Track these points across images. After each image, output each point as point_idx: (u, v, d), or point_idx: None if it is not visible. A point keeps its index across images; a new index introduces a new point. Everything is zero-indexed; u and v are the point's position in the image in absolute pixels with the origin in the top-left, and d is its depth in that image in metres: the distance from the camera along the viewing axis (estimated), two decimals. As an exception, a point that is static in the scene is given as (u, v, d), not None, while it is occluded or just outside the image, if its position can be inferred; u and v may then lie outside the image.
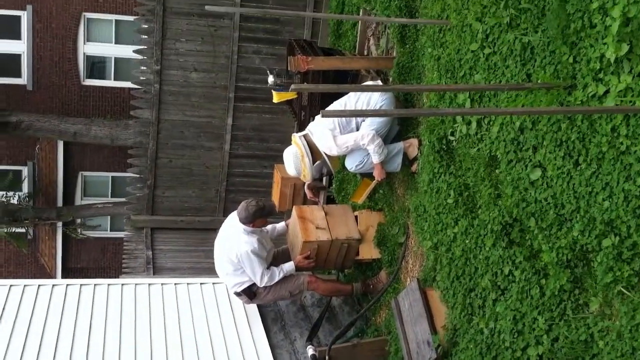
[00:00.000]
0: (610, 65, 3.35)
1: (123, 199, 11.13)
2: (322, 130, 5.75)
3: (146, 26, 8.99)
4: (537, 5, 3.98)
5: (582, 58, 3.58)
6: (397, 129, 5.90)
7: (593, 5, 3.43)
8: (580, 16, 3.56)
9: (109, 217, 14.55)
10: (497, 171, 4.45)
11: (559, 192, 3.79)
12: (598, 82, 3.46)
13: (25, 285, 6.53)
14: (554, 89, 3.75)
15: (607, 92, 3.40)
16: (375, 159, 5.63)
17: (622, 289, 3.38)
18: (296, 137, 5.97)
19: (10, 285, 6.51)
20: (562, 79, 3.73)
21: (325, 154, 5.87)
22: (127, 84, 11.88)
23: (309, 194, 6.90)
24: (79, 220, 13.80)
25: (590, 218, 3.55)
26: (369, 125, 5.58)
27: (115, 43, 13.50)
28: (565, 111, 3.60)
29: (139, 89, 9.28)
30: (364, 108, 5.63)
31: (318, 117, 5.83)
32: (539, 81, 3.90)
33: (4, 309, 6.13)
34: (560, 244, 3.77)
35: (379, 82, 5.93)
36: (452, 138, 5.00)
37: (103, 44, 13.59)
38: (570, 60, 3.66)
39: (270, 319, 6.45)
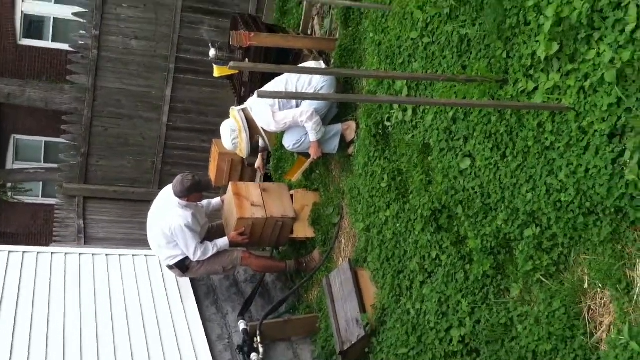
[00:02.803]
0: (540, 62, 3.48)
1: (56, 165, 10.87)
2: (262, 106, 5.74)
3: (87, -12, 8.74)
4: (476, -1, 4.07)
5: (515, 54, 3.69)
6: (336, 111, 5.94)
7: (529, 3, 3.53)
8: (516, 13, 3.66)
9: (41, 183, 14.17)
10: (429, 158, 4.56)
11: (486, 182, 3.93)
12: (528, 79, 3.58)
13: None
14: (487, 82, 3.87)
15: (536, 88, 3.53)
16: (312, 136, 5.67)
17: (541, 277, 3.56)
18: (235, 111, 5.94)
19: None
20: (495, 72, 3.84)
21: (263, 130, 5.87)
22: (65, 46, 11.51)
23: (258, 163, 6.93)
24: (10, 184, 13.39)
25: (514, 208, 3.70)
26: (309, 104, 5.61)
27: (55, 2, 13.02)
28: (495, 105, 3.72)
29: (76, 53, 9.03)
30: (305, 87, 5.64)
31: (256, 95, 5.81)
32: (473, 73, 4.00)
33: None
34: (485, 231, 3.91)
35: (321, 63, 5.94)
36: (388, 123, 5.09)
37: (42, 2, 13.08)
38: (504, 55, 3.77)
39: (203, 293, 6.44)
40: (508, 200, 3.75)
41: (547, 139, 3.44)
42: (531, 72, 3.56)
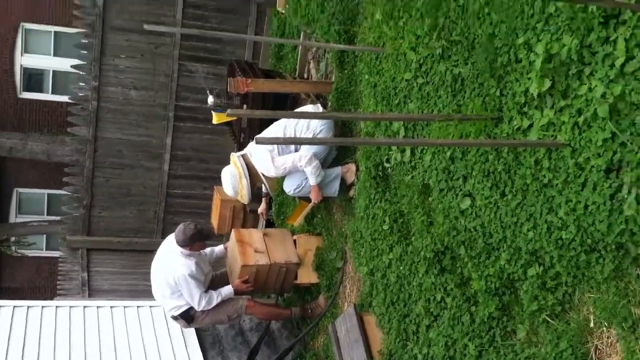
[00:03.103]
0: (534, 99, 3.46)
1: (59, 218, 10.86)
2: (261, 151, 5.76)
3: (85, 41, 8.84)
4: (467, 38, 4.08)
5: (508, 92, 3.68)
6: (335, 154, 5.95)
7: (519, 40, 3.54)
8: (507, 50, 3.67)
9: (44, 236, 14.15)
10: (429, 199, 4.53)
11: (487, 222, 3.88)
12: (523, 116, 3.57)
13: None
14: (482, 121, 3.85)
15: (530, 125, 3.51)
16: (312, 180, 5.66)
17: (547, 317, 3.48)
18: (234, 157, 5.96)
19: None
20: (489, 110, 3.83)
21: (264, 175, 5.87)
22: (65, 98, 11.61)
23: (262, 207, 6.93)
24: (13, 239, 13.37)
25: (516, 248, 3.64)
26: (308, 148, 5.62)
27: (54, 55, 13.17)
28: (492, 144, 3.70)
29: (76, 105, 9.10)
30: (303, 131, 5.65)
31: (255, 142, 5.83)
32: (468, 112, 3.99)
33: None
34: (488, 272, 3.85)
35: (319, 106, 5.97)
36: (387, 165, 5.07)
37: (41, 56, 13.24)
38: (498, 93, 3.76)
39: (209, 343, 6.39)
40: (510, 239, 3.70)
41: (544, 176, 3.40)
42: (525, 109, 3.55)
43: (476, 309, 3.98)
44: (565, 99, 3.27)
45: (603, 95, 3.00)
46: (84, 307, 6.74)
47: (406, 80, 4.75)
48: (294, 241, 6.37)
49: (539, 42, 3.37)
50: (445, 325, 4.22)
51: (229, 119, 7.01)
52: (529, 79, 3.48)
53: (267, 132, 5.86)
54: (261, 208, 7.03)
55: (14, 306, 6.53)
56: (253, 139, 6.09)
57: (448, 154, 4.22)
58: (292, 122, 5.75)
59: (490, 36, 3.79)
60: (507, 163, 3.70)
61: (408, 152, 4.74)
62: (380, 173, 5.14)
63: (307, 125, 5.67)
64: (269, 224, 7.32)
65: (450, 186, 4.23)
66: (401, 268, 4.73)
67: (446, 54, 4.30)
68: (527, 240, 3.54)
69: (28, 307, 6.57)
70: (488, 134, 3.86)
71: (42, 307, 6.62)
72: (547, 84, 3.33)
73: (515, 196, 3.64)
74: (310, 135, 5.63)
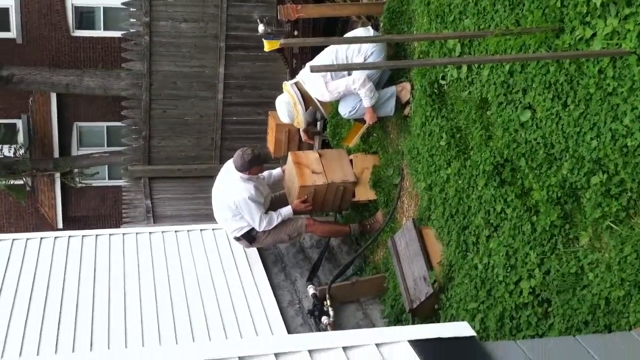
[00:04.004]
0: (596, 9, 3.44)
1: (119, 148, 11.21)
2: (314, 77, 5.81)
3: (134, -23, 8.92)
4: (526, -52, 4.02)
5: (570, 2, 3.65)
6: (389, 74, 5.96)
7: (580, -52, 3.49)
8: (568, -40, 3.62)
9: (106, 166, 14.65)
10: (488, 113, 4.56)
11: (548, 133, 3.92)
12: (585, 26, 3.55)
13: (27, 239, 6.55)
14: (542, 33, 3.84)
15: (594, 35, 3.50)
16: (367, 102, 5.72)
17: (611, 224, 3.54)
18: (287, 85, 6.03)
19: (13, 239, 6.53)
20: (550, 22, 3.81)
21: (318, 100, 5.95)
22: (117, 34, 11.77)
23: (304, 137, 7.02)
24: (76, 170, 13.89)
25: (579, 157, 3.69)
26: (361, 71, 5.65)
27: (104, -8, 13.32)
28: (553, 56, 3.70)
29: (129, 41, 9.26)
30: (354, 55, 5.65)
31: (307, 65, 5.88)
32: (527, 25, 3.98)
33: (7, 263, 6.18)
34: (550, 182, 3.92)
35: (370, 28, 5.95)
36: (443, 82, 5.09)
37: (91, -7, 13.41)
38: (558, 4, 3.73)
39: (271, 262, 6.62)
40: (572, 149, 3.74)
41: (609, 84, 3.41)
42: (587, 19, 3.53)
43: (537, 218, 4.06)
44: (630, 6, 3.25)
45: (670, 0, 2.98)
46: (150, 233, 6.95)
47: (462, -5, 4.71)
48: (351, 160, 6.49)
49: (602, -52, 3.32)
50: (505, 235, 4.33)
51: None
52: (592, -13, 3.44)
53: (319, 58, 5.89)
54: (304, 137, 7.12)
55: (83, 235, 6.75)
56: (305, 65, 6.18)
57: (507, 67, 4.23)
58: (342, 46, 5.75)
59: (550, -55, 3.73)
60: (569, 74, 3.70)
61: (465, 68, 4.75)
62: (436, 90, 5.17)
63: (358, 48, 5.65)
64: (325, 144, 7.43)
65: (510, 99, 4.25)
66: (460, 182, 4.82)
67: (503, -34, 4.24)
68: (590, 149, 3.58)
69: (96, 235, 6.76)
70: (549, 46, 3.85)
71: (110, 235, 6.83)
72: (611, -9, 3.30)
73: (577, 106, 3.67)
74: (361, 58, 5.63)
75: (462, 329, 2.86)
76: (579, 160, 3.69)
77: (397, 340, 2.79)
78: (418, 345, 2.73)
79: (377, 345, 2.78)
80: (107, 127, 14.42)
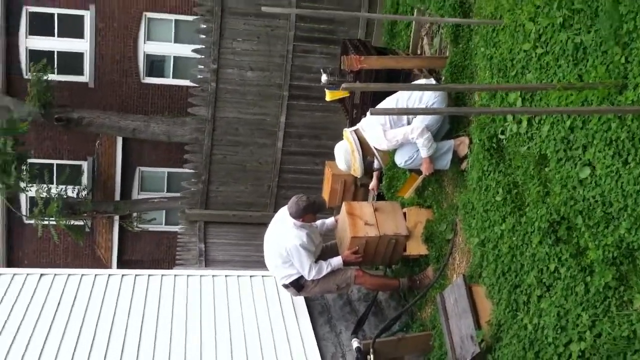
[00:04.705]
0: (661, 65, 3.38)
1: (178, 194, 11.45)
2: (373, 125, 5.85)
3: (205, 26, 9.28)
4: (590, 6, 4.01)
5: (634, 59, 3.61)
6: (448, 127, 5.96)
7: (646, 5, 3.46)
8: (633, 17, 3.60)
9: (164, 212, 14.92)
10: (546, 169, 4.48)
11: (607, 191, 3.82)
12: (649, 82, 3.49)
13: (82, 275, 6.76)
14: (605, 89, 3.78)
15: (658, 91, 3.43)
16: (424, 153, 5.70)
17: (667, 287, 3.41)
18: (347, 132, 6.09)
19: (68, 275, 6.75)
20: (613, 78, 3.76)
21: (375, 148, 5.97)
22: (185, 82, 12.20)
23: (373, 184, 7.05)
24: (135, 214, 14.21)
25: (638, 216, 3.57)
26: (421, 121, 5.66)
27: (175, 42, 13.83)
28: (616, 110, 3.63)
29: (196, 87, 9.57)
30: (416, 105, 5.67)
31: (368, 114, 5.93)
32: (590, 81, 3.93)
33: (61, 297, 6.38)
34: (606, 241, 3.79)
35: (432, 80, 6.00)
36: (502, 137, 5.05)
37: (163, 42, 13.93)
38: (622, 60, 3.69)
39: (317, 312, 6.56)
40: (631, 207, 3.62)
41: (671, 141, 3.32)
42: (652, 74, 3.47)
43: (591, 279, 3.92)
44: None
45: None
46: (201, 276, 7.04)
47: (524, 51, 4.71)
48: (404, 214, 6.44)
49: (668, 4, 3.29)
50: (557, 295, 4.18)
51: (342, 94, 7.16)
52: (657, 43, 3.40)
53: (380, 107, 5.95)
54: (372, 184, 7.13)
55: (136, 275, 6.90)
56: (366, 115, 6.25)
57: (568, 123, 4.17)
58: (404, 96, 5.79)
59: (615, 3, 3.72)
60: (631, 130, 3.62)
61: (525, 123, 4.70)
62: (495, 145, 5.11)
63: (419, 98, 5.68)
64: (380, 197, 7.42)
65: (569, 156, 4.17)
66: (514, 239, 4.71)
67: (567, 22, 4.24)
68: (649, 208, 3.47)
69: (149, 275, 6.91)
70: (611, 102, 3.78)
71: (162, 275, 6.95)
72: (676, 46, 3.25)
73: (638, 164, 3.57)
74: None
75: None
76: (637, 220, 3.57)
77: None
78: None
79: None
80: (168, 172, 14.77)
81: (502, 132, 5.03)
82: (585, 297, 3.95)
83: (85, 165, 14.55)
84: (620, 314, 3.71)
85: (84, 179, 14.47)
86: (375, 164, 6.49)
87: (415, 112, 5.41)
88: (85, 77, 13.87)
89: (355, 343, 5.82)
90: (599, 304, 3.85)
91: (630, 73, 3.65)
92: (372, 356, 5.66)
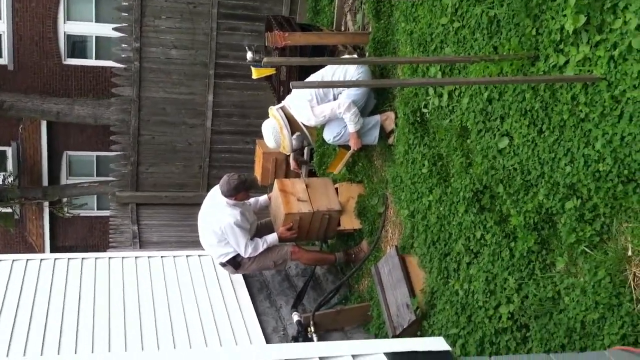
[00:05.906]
0: (569, 36, 3.52)
1: (108, 178, 11.23)
2: (300, 102, 5.87)
3: (126, 3, 9.03)
4: (502, -20, 4.13)
5: (544, 30, 3.74)
6: (374, 102, 6.04)
7: (554, -22, 3.59)
8: (543, -11, 3.72)
9: (95, 196, 14.63)
10: (468, 141, 4.63)
11: (525, 159, 3.98)
12: (559, 53, 3.63)
13: (13, 260, 6.56)
14: (519, 60, 3.92)
15: (567, 62, 3.57)
16: (351, 127, 5.77)
17: (585, 248, 3.58)
18: (273, 110, 6.09)
19: (-1, 261, 6.58)
20: (526, 50, 3.90)
21: (304, 125, 6.00)
22: (109, 63, 11.88)
23: (293, 165, 7.06)
24: (65, 200, 13.88)
25: (554, 182, 3.74)
26: (347, 96, 5.72)
27: (96, 22, 13.43)
28: (528, 80, 3.78)
29: (120, 66, 9.35)
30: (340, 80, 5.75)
31: (294, 90, 5.95)
32: (504, 52, 4.06)
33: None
34: (527, 208, 3.96)
35: (355, 56, 6.05)
36: (425, 110, 5.17)
37: (84, 22, 13.51)
38: (534, 32, 3.82)
39: (256, 289, 6.61)
40: (548, 175, 3.79)
41: (581, 110, 3.48)
42: (561, 46, 3.61)
43: (515, 244, 4.10)
44: (601, 33, 3.33)
45: (638, 28, 3.06)
46: (136, 257, 6.95)
47: (442, 25, 4.81)
48: (336, 189, 6.53)
49: (574, -22, 3.41)
50: (485, 261, 4.36)
51: (268, 72, 7.14)
52: (564, 16, 3.53)
53: None
54: (292, 165, 7.16)
55: (69, 258, 6.74)
56: (291, 92, 6.26)
57: (485, 95, 4.31)
58: (329, 72, 5.84)
59: (526, -24, 3.83)
60: (544, 100, 3.77)
61: (446, 97, 4.83)
62: (419, 119, 5.24)
63: (344, 75, 5.73)
64: (311, 174, 7.49)
65: (488, 127, 4.32)
66: (441, 209, 4.87)
67: (482, -4, 4.35)
68: (564, 175, 3.64)
69: (82, 259, 6.76)
70: (525, 73, 3.93)
71: (96, 258, 6.83)
72: (582, 19, 3.39)
73: (552, 132, 3.73)
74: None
75: (437, 343, 2.89)
76: (554, 186, 3.74)
77: (373, 352, 2.81)
78: (394, 357, 2.75)
79: (354, 356, 2.81)
80: (97, 156, 14.45)
81: (425, 106, 5.15)
82: (511, 261, 4.13)
83: (9, 150, 14.08)
84: (544, 277, 3.91)
85: (9, 165, 14.01)
86: (295, 144, 6.50)
87: (333, 84, 5.46)
88: (4, 60, 13.37)
89: (295, 317, 5.93)
90: (524, 268, 4.04)
91: (541, 45, 3.79)
92: (312, 328, 5.79)
